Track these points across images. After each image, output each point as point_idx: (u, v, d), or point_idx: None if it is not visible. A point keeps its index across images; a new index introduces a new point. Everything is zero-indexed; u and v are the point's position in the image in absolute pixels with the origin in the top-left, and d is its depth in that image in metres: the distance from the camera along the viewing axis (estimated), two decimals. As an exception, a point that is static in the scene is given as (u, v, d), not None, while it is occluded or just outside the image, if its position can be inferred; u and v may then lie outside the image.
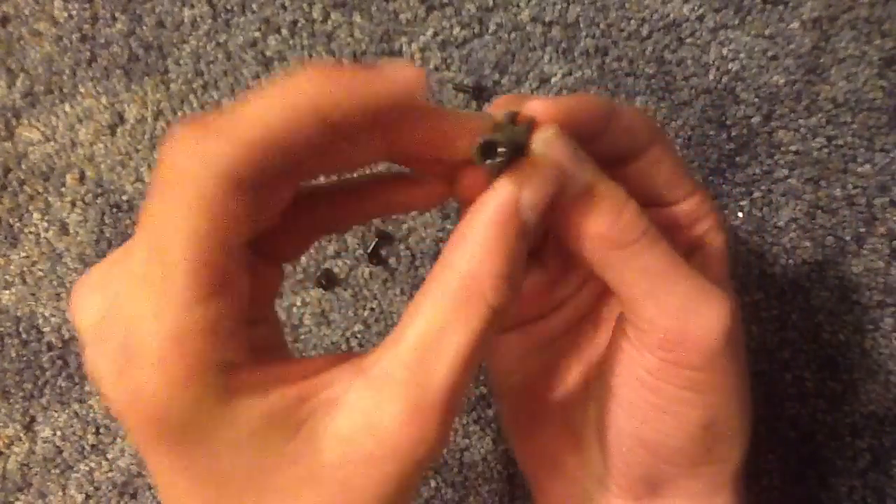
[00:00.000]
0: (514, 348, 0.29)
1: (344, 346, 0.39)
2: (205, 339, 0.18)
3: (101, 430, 0.39)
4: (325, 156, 0.20)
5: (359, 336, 0.39)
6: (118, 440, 0.39)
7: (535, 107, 0.22)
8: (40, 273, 0.39)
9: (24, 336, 0.39)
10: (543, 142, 0.21)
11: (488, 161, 0.20)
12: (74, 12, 0.39)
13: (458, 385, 0.19)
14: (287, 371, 0.20)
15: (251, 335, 0.20)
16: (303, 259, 0.39)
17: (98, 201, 0.39)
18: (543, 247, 0.28)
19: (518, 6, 0.38)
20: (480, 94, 0.38)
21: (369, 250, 0.38)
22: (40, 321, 0.39)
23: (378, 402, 0.19)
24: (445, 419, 0.19)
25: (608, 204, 0.22)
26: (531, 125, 0.22)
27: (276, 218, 0.21)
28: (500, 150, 0.20)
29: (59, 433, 0.39)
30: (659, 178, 0.25)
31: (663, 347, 0.23)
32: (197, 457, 0.18)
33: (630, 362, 0.25)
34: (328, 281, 0.39)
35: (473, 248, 0.20)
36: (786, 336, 0.39)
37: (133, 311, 0.18)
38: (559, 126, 0.22)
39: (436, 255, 0.39)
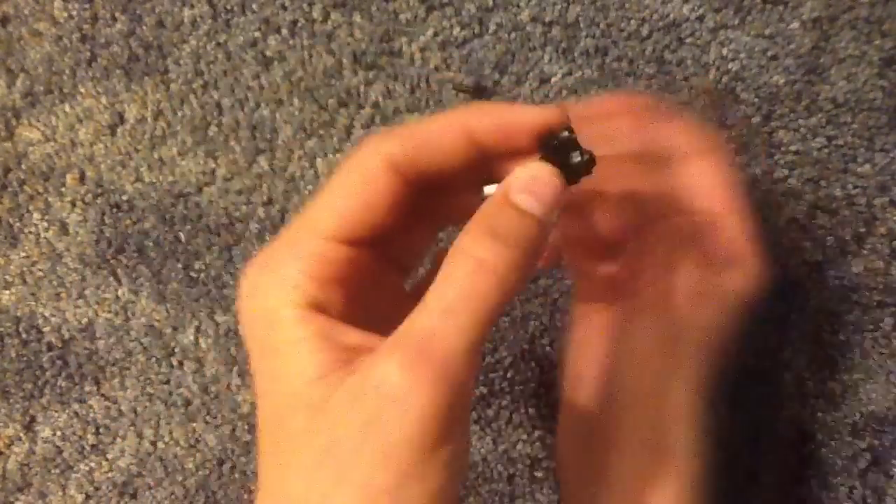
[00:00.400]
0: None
1: (344, 346, 0.39)
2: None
3: (101, 430, 0.39)
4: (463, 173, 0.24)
5: (359, 336, 0.39)
6: (118, 440, 0.39)
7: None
8: (40, 273, 0.39)
9: (24, 336, 0.39)
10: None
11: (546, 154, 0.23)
12: (74, 12, 0.39)
13: (466, 351, 0.20)
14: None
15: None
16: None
17: (98, 201, 0.39)
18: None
19: (518, 6, 0.38)
20: (480, 94, 0.38)
21: None
22: (40, 321, 0.39)
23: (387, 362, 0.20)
24: (450, 379, 0.20)
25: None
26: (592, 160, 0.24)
27: (399, 218, 0.23)
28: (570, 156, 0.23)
29: (59, 433, 0.39)
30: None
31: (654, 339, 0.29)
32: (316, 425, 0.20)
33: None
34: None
35: (483, 226, 0.22)
36: (786, 336, 0.39)
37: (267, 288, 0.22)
38: None
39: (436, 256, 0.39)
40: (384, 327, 0.22)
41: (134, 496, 0.39)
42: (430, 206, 0.24)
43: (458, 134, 0.23)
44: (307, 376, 0.21)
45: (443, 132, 0.23)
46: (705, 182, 0.28)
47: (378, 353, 0.20)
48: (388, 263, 0.25)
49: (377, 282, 0.24)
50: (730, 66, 0.38)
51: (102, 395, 0.39)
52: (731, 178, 0.28)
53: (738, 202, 0.28)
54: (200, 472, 0.40)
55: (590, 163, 0.23)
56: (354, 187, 0.22)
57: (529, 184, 0.22)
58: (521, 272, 0.22)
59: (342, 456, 0.20)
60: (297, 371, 0.21)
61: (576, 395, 0.29)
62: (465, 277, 0.21)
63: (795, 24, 0.38)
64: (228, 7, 0.38)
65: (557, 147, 0.23)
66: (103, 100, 0.39)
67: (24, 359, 0.39)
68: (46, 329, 0.39)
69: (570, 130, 0.23)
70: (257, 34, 0.38)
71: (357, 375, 0.20)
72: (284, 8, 0.38)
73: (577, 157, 0.23)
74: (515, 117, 0.23)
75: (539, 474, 0.38)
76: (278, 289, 0.22)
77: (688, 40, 0.38)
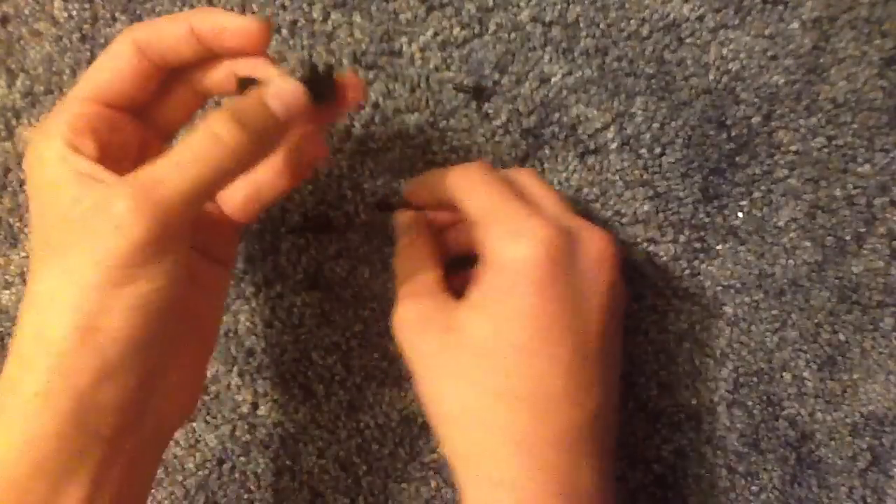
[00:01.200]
0: None
1: (344, 347, 0.39)
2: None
3: (101, 430, 0.39)
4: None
5: (359, 336, 0.39)
6: (118, 440, 0.39)
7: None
8: (40, 273, 0.39)
9: (24, 336, 0.39)
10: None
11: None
12: (74, 12, 0.39)
13: (184, 199, 0.26)
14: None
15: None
16: (303, 259, 0.39)
17: (98, 201, 0.39)
18: None
19: (518, 6, 0.38)
20: (480, 94, 0.38)
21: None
22: (40, 321, 0.39)
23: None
24: (163, 217, 0.25)
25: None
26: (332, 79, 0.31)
27: (150, 89, 0.30)
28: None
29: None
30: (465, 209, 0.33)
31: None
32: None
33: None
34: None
35: (233, 108, 0.27)
36: (786, 336, 0.39)
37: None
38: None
39: (436, 255, 0.39)
40: None
41: (134, 496, 0.39)
42: (182, 85, 0.31)
43: (185, 29, 0.29)
44: (66, 199, 0.26)
45: (175, 26, 0.29)
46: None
47: (113, 184, 0.26)
48: (151, 127, 0.31)
49: (140, 141, 0.30)
50: (730, 66, 0.38)
51: (102, 395, 0.39)
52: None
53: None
54: (200, 472, 0.40)
55: (329, 91, 0.30)
56: (107, 63, 0.29)
57: (284, 94, 0.28)
58: (252, 154, 0.27)
59: (72, 257, 0.25)
60: (58, 196, 0.26)
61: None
62: (200, 143, 0.26)
63: (795, 24, 0.38)
64: (228, 7, 0.38)
65: (313, 76, 0.29)
66: (103, 100, 0.39)
67: (24, 359, 0.39)
68: (46, 329, 0.39)
69: (329, 68, 0.30)
70: (257, 34, 0.38)
71: (93, 194, 0.26)
72: (284, 8, 0.38)
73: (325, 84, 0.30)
74: (225, 22, 0.29)
75: (539, 474, 0.38)
76: (45, 138, 0.28)
77: (688, 40, 0.38)
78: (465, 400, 0.30)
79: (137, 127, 0.30)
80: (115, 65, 0.29)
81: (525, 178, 0.34)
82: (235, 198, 0.33)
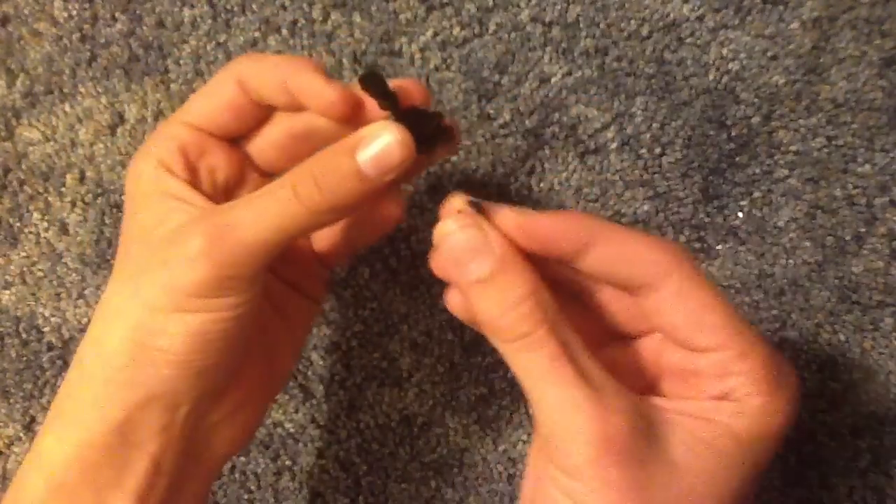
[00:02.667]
0: None
1: (344, 346, 0.39)
2: None
3: (101, 430, 0.39)
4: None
5: (359, 336, 0.39)
6: (118, 440, 0.39)
7: (503, 218, 0.25)
8: (40, 273, 0.39)
9: (24, 336, 0.39)
10: (446, 223, 0.26)
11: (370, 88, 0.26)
12: (74, 12, 0.39)
13: (255, 248, 0.26)
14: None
15: None
16: (303, 259, 0.39)
17: (98, 201, 0.39)
18: None
19: (518, 6, 0.38)
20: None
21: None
22: (40, 321, 0.39)
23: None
24: (232, 261, 0.25)
25: (499, 297, 0.24)
26: (440, 120, 0.28)
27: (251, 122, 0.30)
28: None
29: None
30: (677, 319, 0.25)
31: (543, 448, 0.24)
32: None
33: (534, 458, 0.26)
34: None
35: (317, 167, 0.26)
36: (786, 336, 0.39)
37: None
38: (472, 217, 0.25)
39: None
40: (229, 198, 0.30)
41: (134, 496, 0.39)
42: (279, 119, 0.30)
43: (281, 81, 0.28)
44: (151, 218, 0.27)
45: (274, 74, 0.28)
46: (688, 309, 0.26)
47: (195, 217, 0.26)
48: (245, 151, 0.31)
49: (234, 163, 0.30)
50: (730, 66, 0.38)
51: (102, 395, 0.39)
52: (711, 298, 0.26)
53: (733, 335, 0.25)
54: (200, 472, 0.40)
55: (447, 133, 0.26)
56: (209, 91, 0.29)
57: (378, 149, 0.25)
58: (332, 214, 0.26)
59: (144, 278, 0.26)
60: (145, 213, 0.27)
61: None
62: (281, 199, 0.26)
63: (795, 24, 0.38)
64: (228, 7, 0.38)
65: (414, 115, 0.26)
66: (103, 100, 0.39)
67: (24, 359, 0.39)
68: (46, 329, 0.39)
69: (440, 114, 0.27)
70: (257, 34, 0.38)
71: (177, 223, 0.26)
72: (284, 8, 0.38)
73: (432, 127, 0.27)
74: (316, 91, 0.27)
75: (539, 474, 0.39)
76: (144, 156, 0.29)
77: (688, 40, 0.38)
78: None
79: (232, 151, 0.30)
80: (216, 95, 0.29)
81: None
82: (324, 240, 0.33)
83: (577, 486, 0.23)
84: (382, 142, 0.25)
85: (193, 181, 0.28)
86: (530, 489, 0.26)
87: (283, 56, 0.30)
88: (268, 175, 0.31)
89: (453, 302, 0.28)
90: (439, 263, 0.26)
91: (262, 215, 0.26)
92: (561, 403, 0.23)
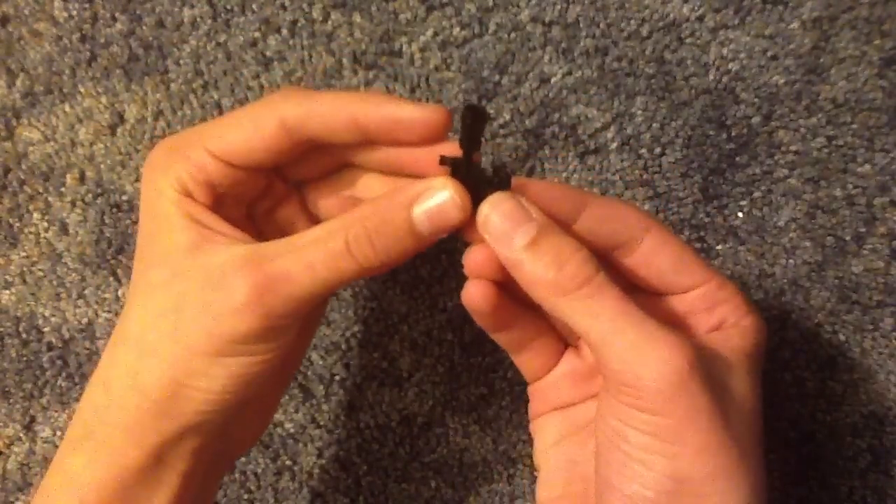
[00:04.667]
0: (552, 428, 0.31)
1: (344, 346, 0.39)
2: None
3: (101, 430, 0.39)
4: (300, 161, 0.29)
5: (359, 336, 0.39)
6: (118, 440, 0.39)
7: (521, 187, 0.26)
8: (40, 273, 0.39)
9: (24, 336, 0.39)
10: (484, 205, 0.26)
11: (444, 165, 0.25)
12: (74, 12, 0.39)
13: (302, 299, 0.25)
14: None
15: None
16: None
17: (98, 201, 0.39)
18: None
19: (518, 6, 0.38)
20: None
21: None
22: (40, 321, 0.39)
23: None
24: (278, 314, 0.25)
25: (553, 253, 0.25)
26: (505, 176, 0.26)
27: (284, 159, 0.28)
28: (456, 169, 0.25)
29: (59, 433, 0.39)
30: (661, 266, 0.28)
31: (621, 391, 0.25)
32: None
33: (604, 409, 0.26)
34: None
35: (371, 222, 0.25)
36: (786, 336, 0.39)
37: None
38: (506, 194, 0.26)
39: (436, 255, 0.39)
40: (261, 227, 0.30)
41: (134, 496, 0.39)
42: (325, 153, 0.29)
43: (346, 118, 0.26)
44: (176, 244, 0.26)
45: (333, 111, 0.26)
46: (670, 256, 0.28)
47: (238, 260, 0.25)
48: (279, 176, 0.30)
49: (262, 188, 0.29)
50: (730, 66, 0.38)
51: (102, 395, 0.39)
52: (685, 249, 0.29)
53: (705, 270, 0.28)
54: (200, 472, 0.40)
55: (505, 183, 0.25)
56: (246, 129, 0.27)
57: (435, 207, 0.25)
58: (384, 266, 0.26)
59: (183, 317, 0.25)
60: (168, 238, 0.26)
61: None
62: (332, 253, 0.25)
63: (795, 24, 0.38)
64: (228, 7, 0.38)
65: (476, 171, 0.25)
66: (103, 100, 0.39)
67: (24, 359, 0.39)
68: (46, 329, 0.39)
69: (503, 170, 0.26)
70: (257, 34, 0.38)
71: (216, 260, 0.25)
72: (284, 8, 0.38)
73: (490, 181, 0.26)
74: (395, 113, 0.26)
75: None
76: (168, 175, 0.27)
77: (688, 40, 0.38)
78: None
79: (259, 178, 0.29)
80: (253, 133, 0.27)
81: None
82: None
83: (662, 421, 0.24)
84: (440, 199, 0.25)
85: (217, 209, 0.27)
86: (604, 451, 0.26)
87: (332, 92, 0.28)
88: (290, 185, 0.30)
89: (473, 292, 0.28)
90: (490, 243, 0.26)
91: (312, 269, 0.25)
92: (638, 340, 0.24)
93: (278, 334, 0.26)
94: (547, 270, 0.25)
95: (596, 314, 0.25)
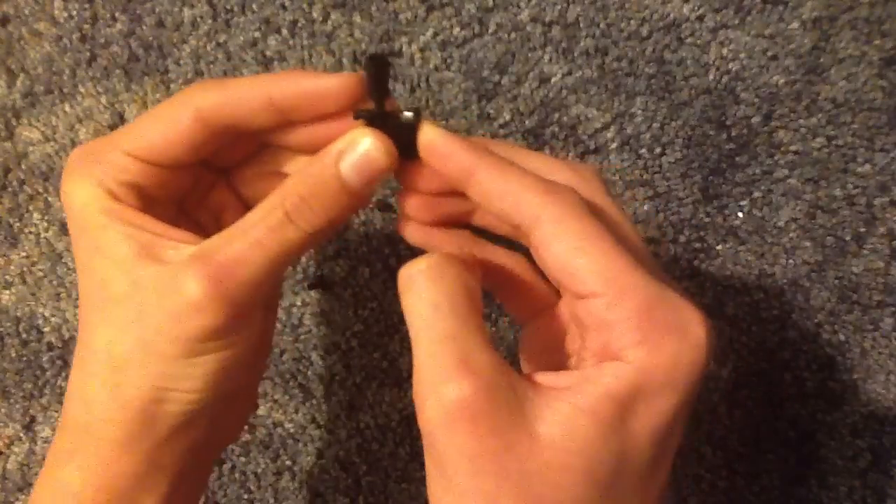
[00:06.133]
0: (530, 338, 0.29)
1: (344, 346, 0.39)
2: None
3: (101, 430, 0.39)
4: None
5: (359, 336, 0.39)
6: (118, 440, 0.39)
7: (425, 135, 0.26)
8: (40, 273, 0.39)
9: (24, 336, 0.39)
10: (427, 131, 0.25)
11: (362, 118, 0.26)
12: (74, 12, 0.39)
13: (259, 279, 0.25)
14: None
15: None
16: (302, 259, 0.39)
17: (98, 201, 0.39)
18: None
19: (518, 6, 0.38)
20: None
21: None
22: (40, 321, 0.39)
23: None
24: (240, 300, 0.25)
25: (427, 302, 0.24)
26: (416, 130, 0.26)
27: (203, 151, 0.28)
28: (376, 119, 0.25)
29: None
30: (550, 265, 0.24)
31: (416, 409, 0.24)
32: None
33: None
34: (322, 285, 0.39)
35: (303, 186, 0.26)
36: (786, 336, 0.39)
37: None
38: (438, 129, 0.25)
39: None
40: (195, 217, 0.30)
41: (134, 496, 0.39)
42: (245, 139, 0.28)
43: (261, 100, 0.26)
44: (125, 253, 0.26)
45: (248, 95, 0.26)
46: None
47: (189, 260, 0.25)
48: (216, 181, 0.30)
49: (189, 182, 0.29)
50: (730, 66, 0.38)
51: (102, 395, 0.39)
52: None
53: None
54: (200, 472, 0.40)
55: (411, 138, 0.25)
56: (161, 125, 0.27)
57: (359, 159, 0.25)
58: (326, 230, 0.26)
59: (148, 327, 0.25)
60: (114, 248, 0.26)
61: None
62: (275, 226, 0.25)
63: (795, 24, 0.38)
64: (228, 7, 0.38)
65: (385, 119, 0.25)
66: (103, 100, 0.39)
67: (24, 359, 0.39)
68: (46, 329, 0.39)
69: (417, 112, 0.25)
70: (257, 34, 0.38)
71: (169, 266, 0.25)
72: (284, 8, 0.38)
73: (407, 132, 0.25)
74: (314, 83, 0.26)
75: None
76: (87, 183, 0.27)
77: (688, 40, 0.38)
78: None
79: (184, 174, 0.29)
80: (169, 128, 0.26)
81: (606, 206, 0.26)
82: None
83: (434, 451, 0.23)
84: (362, 148, 0.26)
85: (148, 209, 0.27)
86: None
87: (245, 77, 0.28)
88: (216, 172, 0.30)
89: (405, 231, 0.29)
90: (439, 157, 0.26)
91: (260, 246, 0.25)
92: (425, 358, 0.23)
93: (243, 323, 0.26)
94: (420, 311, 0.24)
95: (408, 316, 0.25)
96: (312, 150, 0.27)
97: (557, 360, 0.26)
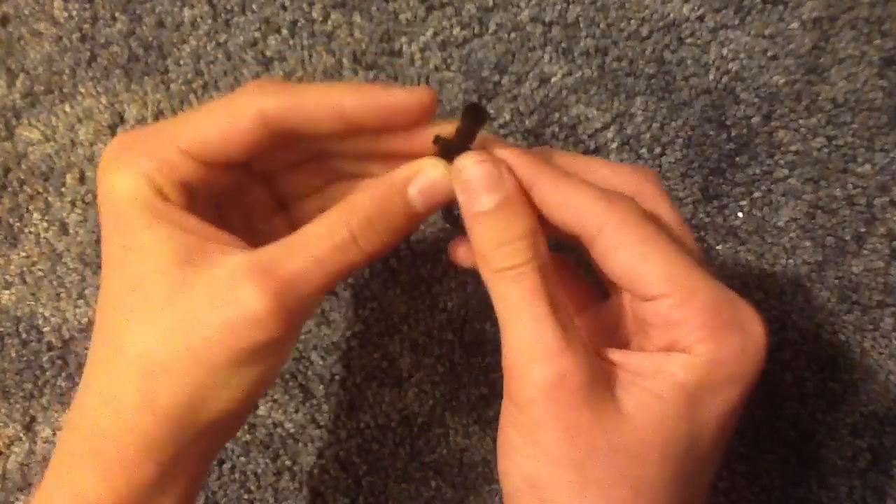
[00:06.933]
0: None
1: (344, 346, 0.39)
2: None
3: (101, 430, 0.39)
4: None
5: (359, 336, 0.39)
6: (118, 440, 0.39)
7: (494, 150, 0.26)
8: (40, 273, 0.39)
9: (24, 336, 0.39)
10: (466, 157, 0.26)
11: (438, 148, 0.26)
12: (74, 12, 0.39)
13: (318, 295, 0.25)
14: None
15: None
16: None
17: (98, 201, 0.39)
18: None
19: (518, 6, 0.38)
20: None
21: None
22: (40, 321, 0.39)
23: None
24: (297, 316, 0.25)
25: (501, 229, 0.25)
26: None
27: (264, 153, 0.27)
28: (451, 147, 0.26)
29: (59, 433, 0.39)
30: (616, 269, 0.25)
31: (507, 381, 0.25)
32: None
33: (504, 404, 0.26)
34: None
35: (372, 208, 0.26)
36: (786, 336, 0.39)
37: None
38: (489, 155, 0.25)
39: (436, 255, 0.39)
40: (225, 215, 0.29)
41: (134, 496, 0.39)
42: (302, 147, 0.28)
43: (331, 109, 0.26)
44: (167, 256, 0.25)
45: (318, 104, 0.26)
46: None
47: (247, 270, 0.24)
48: (253, 181, 0.29)
49: (233, 183, 0.28)
50: (730, 66, 0.38)
51: (102, 395, 0.39)
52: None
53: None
54: (200, 472, 0.40)
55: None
56: (221, 123, 0.26)
57: (428, 184, 0.26)
58: (385, 249, 0.26)
59: (198, 335, 0.24)
60: (155, 249, 0.25)
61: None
62: (340, 245, 0.25)
63: (795, 24, 0.38)
64: (228, 7, 0.38)
65: (453, 148, 0.26)
66: (103, 100, 0.39)
67: (24, 359, 0.39)
68: (46, 329, 0.39)
69: (467, 138, 0.26)
70: (257, 34, 0.38)
71: (222, 273, 0.24)
72: (284, 8, 0.38)
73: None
74: (388, 99, 0.26)
75: (539, 474, 0.39)
76: (132, 175, 0.25)
77: (688, 40, 0.38)
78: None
79: (232, 172, 0.28)
80: (230, 126, 0.26)
81: (663, 211, 0.27)
82: None
83: (527, 421, 0.24)
84: (434, 175, 0.26)
85: (191, 208, 0.26)
86: (500, 433, 0.26)
87: (313, 84, 0.27)
88: (257, 173, 0.30)
89: (458, 250, 0.29)
90: (456, 192, 0.26)
91: (322, 264, 0.25)
92: (527, 335, 0.24)
93: (292, 339, 0.26)
94: (487, 242, 0.25)
95: (504, 299, 0.25)
96: (367, 155, 0.28)
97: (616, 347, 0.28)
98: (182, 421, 0.25)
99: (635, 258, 0.24)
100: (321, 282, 0.25)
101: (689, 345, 0.24)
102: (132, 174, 0.25)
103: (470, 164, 0.25)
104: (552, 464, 0.24)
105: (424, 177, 0.26)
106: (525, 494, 0.24)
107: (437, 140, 0.26)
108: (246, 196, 0.30)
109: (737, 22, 0.38)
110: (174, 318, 0.25)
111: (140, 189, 0.25)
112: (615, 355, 0.25)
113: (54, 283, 0.39)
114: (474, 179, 0.25)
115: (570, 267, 0.31)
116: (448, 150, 0.26)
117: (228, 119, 0.26)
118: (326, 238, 0.25)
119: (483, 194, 0.25)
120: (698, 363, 0.24)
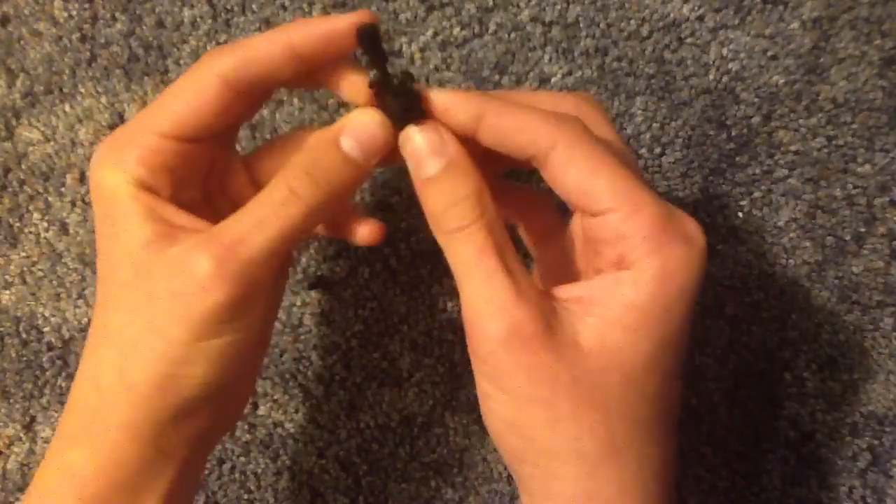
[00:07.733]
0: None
1: (344, 346, 0.39)
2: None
3: (101, 430, 0.39)
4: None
5: (359, 336, 0.39)
6: (118, 440, 0.39)
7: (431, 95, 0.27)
8: (40, 273, 0.39)
9: (24, 336, 0.39)
10: (410, 128, 0.26)
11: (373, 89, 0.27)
12: (74, 12, 0.39)
13: (265, 258, 0.26)
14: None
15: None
16: (302, 259, 0.39)
17: (98, 201, 0.39)
18: None
19: (518, 6, 0.38)
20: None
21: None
22: (40, 321, 0.39)
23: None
24: (247, 278, 0.26)
25: (448, 192, 0.26)
26: (419, 95, 0.26)
27: (234, 118, 0.28)
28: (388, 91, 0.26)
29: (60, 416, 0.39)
30: (567, 186, 0.26)
31: (468, 336, 0.26)
32: None
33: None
34: (322, 285, 0.39)
35: (307, 161, 0.27)
36: (786, 336, 0.39)
37: None
38: (433, 122, 0.26)
39: (436, 255, 0.39)
40: (217, 207, 0.30)
41: (134, 496, 0.39)
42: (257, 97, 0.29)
43: (281, 49, 0.26)
44: (136, 241, 0.26)
45: (268, 49, 0.27)
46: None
47: (197, 242, 0.26)
48: (219, 141, 0.29)
49: (211, 159, 0.29)
50: (730, 66, 0.38)
51: (102, 395, 0.39)
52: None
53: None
54: (200, 472, 0.40)
55: (415, 104, 0.26)
56: (187, 96, 0.27)
57: (359, 131, 0.27)
58: (329, 204, 0.27)
59: (156, 310, 0.26)
60: (128, 236, 0.26)
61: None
62: (279, 202, 0.26)
63: (795, 24, 0.38)
64: (228, 7, 0.38)
65: (390, 90, 0.26)
66: (103, 100, 0.39)
67: (24, 359, 0.39)
68: (46, 329, 0.39)
69: (410, 78, 0.26)
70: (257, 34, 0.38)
71: (177, 249, 0.26)
72: (284, 8, 0.38)
73: (407, 100, 0.26)
74: (329, 25, 0.26)
75: (539, 474, 0.38)
76: (118, 170, 0.27)
77: (688, 40, 0.38)
78: (598, 432, 0.25)
79: (210, 148, 0.29)
80: (197, 100, 0.27)
81: (606, 132, 0.28)
82: None
83: (491, 371, 0.25)
84: (363, 122, 0.27)
85: (179, 193, 0.28)
86: (476, 382, 0.27)
87: (257, 35, 0.28)
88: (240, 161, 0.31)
89: (357, 230, 0.31)
90: (406, 161, 0.27)
91: (264, 223, 0.26)
92: (480, 291, 0.25)
93: (248, 305, 0.26)
94: (437, 205, 0.26)
95: (457, 258, 0.26)
96: (316, 86, 0.29)
97: (573, 277, 0.29)
98: (154, 400, 0.26)
99: (585, 174, 0.25)
100: (265, 243, 0.26)
101: (637, 258, 0.25)
102: (117, 169, 0.27)
103: (413, 134, 0.26)
104: (524, 406, 0.25)
105: (353, 124, 0.27)
106: (507, 433, 0.26)
107: (372, 85, 0.27)
108: (232, 186, 0.31)
109: (737, 22, 0.38)
110: (138, 297, 0.26)
111: (122, 181, 0.27)
112: (568, 290, 0.26)
113: (54, 283, 0.39)
114: (419, 147, 0.26)
115: (541, 197, 0.32)
116: (379, 83, 0.27)
117: (194, 93, 0.27)
118: (265, 197, 0.26)
119: (428, 160, 0.26)
120: (647, 279, 0.24)
